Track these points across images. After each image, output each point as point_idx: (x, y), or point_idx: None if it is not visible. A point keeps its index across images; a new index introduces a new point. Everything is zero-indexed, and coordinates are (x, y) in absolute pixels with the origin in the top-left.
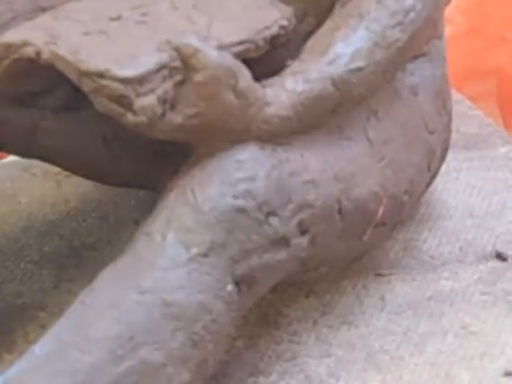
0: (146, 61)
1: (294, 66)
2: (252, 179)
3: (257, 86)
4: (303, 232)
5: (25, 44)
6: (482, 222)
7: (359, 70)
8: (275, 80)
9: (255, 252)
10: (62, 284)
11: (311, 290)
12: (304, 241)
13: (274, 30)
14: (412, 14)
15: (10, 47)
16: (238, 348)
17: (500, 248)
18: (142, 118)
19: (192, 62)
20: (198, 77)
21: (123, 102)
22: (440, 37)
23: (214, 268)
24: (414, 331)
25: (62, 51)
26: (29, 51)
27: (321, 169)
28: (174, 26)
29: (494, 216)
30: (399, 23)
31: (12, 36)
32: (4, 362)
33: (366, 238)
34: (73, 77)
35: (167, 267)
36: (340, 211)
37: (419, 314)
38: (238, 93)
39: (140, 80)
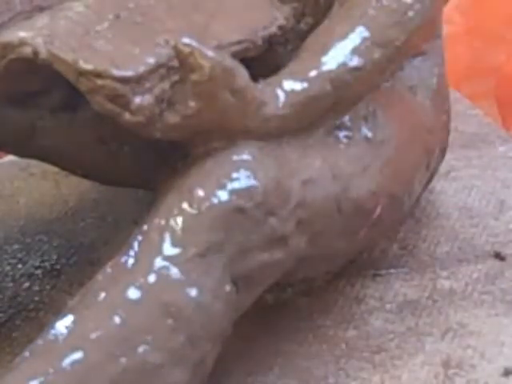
0: (144, 60)
1: (292, 65)
2: (250, 179)
3: (254, 85)
4: (302, 231)
5: (22, 44)
6: (480, 222)
7: (357, 69)
8: (273, 79)
9: (254, 252)
10: (60, 284)
11: (310, 289)
12: (302, 240)
13: (272, 29)
14: (410, 13)
15: (7, 47)
16: (236, 347)
17: (498, 247)
18: (139, 118)
19: (189, 61)
20: (196, 76)
21: (120, 101)
22: (438, 36)
23: (212, 268)
24: (412, 331)
25: (60, 51)
26: (26, 51)
27: (319, 168)
28: (172, 25)
29: (493, 215)
30: (398, 22)
31: (9, 36)
32: (3, 362)
33: (361, 236)
34: (70, 76)
35: (165, 267)
36: (339, 210)
37: (418, 313)
38: (236, 92)
39: (137, 79)
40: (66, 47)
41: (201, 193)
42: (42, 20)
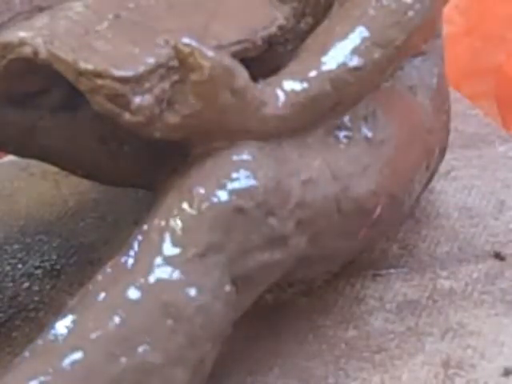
0: (144, 60)
1: (292, 65)
2: (250, 179)
3: (254, 85)
4: (302, 231)
5: (22, 44)
6: (480, 222)
7: (357, 69)
8: (273, 79)
9: (253, 252)
10: (60, 284)
11: (310, 289)
12: (302, 240)
13: (272, 29)
14: (410, 13)
15: (7, 47)
16: (236, 347)
17: (498, 247)
18: (139, 118)
19: (189, 61)
20: (195, 76)
21: (120, 101)
22: (438, 36)
23: (211, 268)
24: (412, 331)
25: (60, 51)
26: (26, 51)
27: (319, 168)
28: (172, 25)
29: (493, 215)
30: (397, 22)
31: (9, 36)
32: (3, 362)
33: (361, 236)
34: (70, 76)
35: (165, 267)
36: (339, 210)
37: (418, 313)
38: (235, 92)
39: (137, 79)
40: (66, 47)
41: (201, 193)
42: (42, 20)
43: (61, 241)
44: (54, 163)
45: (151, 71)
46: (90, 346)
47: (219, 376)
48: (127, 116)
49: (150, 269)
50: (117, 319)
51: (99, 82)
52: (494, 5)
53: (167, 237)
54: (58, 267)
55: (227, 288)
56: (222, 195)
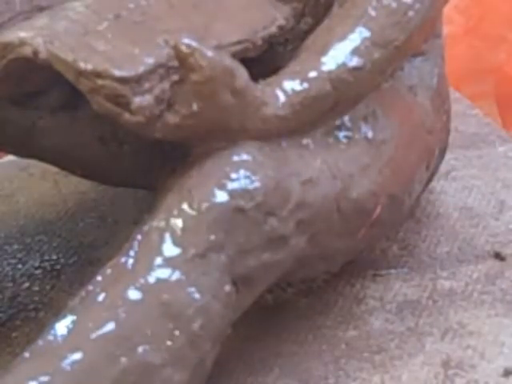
0: (144, 60)
1: (292, 65)
2: (250, 179)
3: (254, 85)
4: (302, 231)
5: (22, 44)
6: (480, 222)
7: (357, 69)
8: (273, 80)
9: (253, 252)
10: (60, 284)
11: (310, 289)
12: (302, 240)
13: (272, 29)
14: (410, 13)
15: (7, 47)
16: (236, 347)
17: (498, 247)
18: (139, 118)
19: (189, 61)
20: (195, 76)
21: (120, 101)
22: (438, 36)
23: (211, 268)
24: (412, 331)
25: (60, 51)
26: (26, 51)
27: (319, 168)
28: (172, 25)
29: (493, 215)
30: (397, 22)
31: (9, 36)
32: (3, 362)
33: (360, 236)
34: (70, 76)
35: (165, 267)
36: (338, 210)
37: (418, 313)
38: (236, 92)
39: (137, 79)
40: (66, 47)
41: (201, 193)
42: (42, 20)
43: (61, 241)
44: (54, 163)
45: (151, 71)
46: (90, 346)
47: (219, 376)
48: (127, 116)
49: (149, 269)
50: (117, 319)
51: (99, 82)
52: (494, 5)
53: (167, 237)
54: (58, 267)
55: (227, 288)
56: (222, 195)
